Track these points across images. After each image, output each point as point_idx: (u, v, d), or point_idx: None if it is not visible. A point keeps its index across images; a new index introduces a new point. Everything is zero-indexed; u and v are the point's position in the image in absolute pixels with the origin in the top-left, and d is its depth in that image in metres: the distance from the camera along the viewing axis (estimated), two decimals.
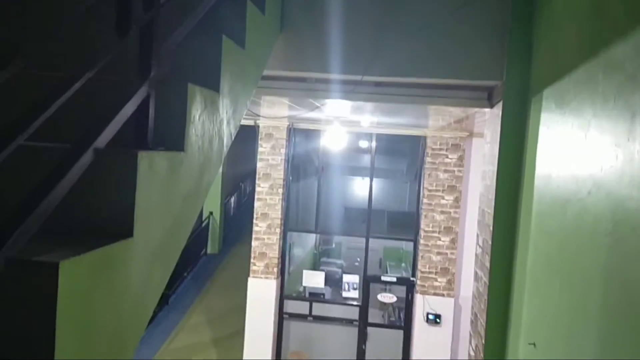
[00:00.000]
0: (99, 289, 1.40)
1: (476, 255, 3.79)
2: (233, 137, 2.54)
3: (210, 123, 2.20)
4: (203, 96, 2.08)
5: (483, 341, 3.34)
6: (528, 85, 3.12)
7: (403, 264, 13.19)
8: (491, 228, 3.32)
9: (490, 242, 3.33)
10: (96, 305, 1.39)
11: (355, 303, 9.82)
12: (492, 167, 3.42)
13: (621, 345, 1.78)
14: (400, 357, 9.62)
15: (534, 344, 2.69)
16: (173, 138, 1.92)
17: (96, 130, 1.45)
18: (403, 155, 11.03)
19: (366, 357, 9.69)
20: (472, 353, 3.72)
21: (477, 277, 3.71)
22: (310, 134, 9.88)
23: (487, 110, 3.68)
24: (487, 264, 3.37)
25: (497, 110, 3.39)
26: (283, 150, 9.58)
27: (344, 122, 8.29)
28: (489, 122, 3.63)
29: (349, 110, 6.64)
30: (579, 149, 2.27)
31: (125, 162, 1.53)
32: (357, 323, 9.72)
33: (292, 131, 9.70)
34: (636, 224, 1.67)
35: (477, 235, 3.78)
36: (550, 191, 2.62)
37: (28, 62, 1.38)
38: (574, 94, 2.38)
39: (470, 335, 3.81)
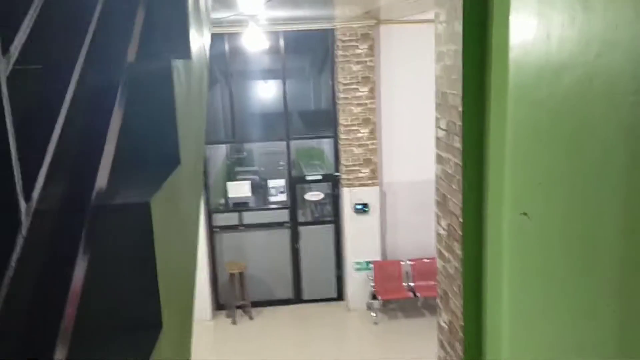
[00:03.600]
0: (170, 221, 1.20)
1: (438, 138, 3.81)
2: (210, 40, 2.24)
3: (198, 24, 1.90)
4: None
5: (460, 219, 3.44)
6: None
7: (317, 162, 13.35)
8: (459, 109, 3.31)
9: (459, 123, 3.33)
10: (171, 238, 1.20)
11: (283, 206, 9.87)
12: (452, 46, 3.36)
13: None
14: (333, 249, 9.96)
15: (526, 214, 2.79)
16: (171, 44, 1.62)
17: (121, 43, 1.18)
18: (312, 51, 10.75)
19: (301, 255, 9.94)
20: (442, 232, 3.84)
21: (441, 160, 3.75)
22: (214, 39, 9.27)
23: None
24: (457, 145, 3.39)
25: None
26: None
27: (250, 21, 7.83)
28: None
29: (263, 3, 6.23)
30: (576, 12, 2.23)
31: (161, 74, 1.27)
32: (288, 225, 9.83)
33: None
34: None
35: (437, 119, 3.78)
36: (535, 61, 2.60)
37: None
38: None
39: (438, 216, 3.91)
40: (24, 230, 0.66)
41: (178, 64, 1.40)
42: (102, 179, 0.99)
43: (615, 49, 1.98)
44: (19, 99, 0.73)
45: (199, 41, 1.87)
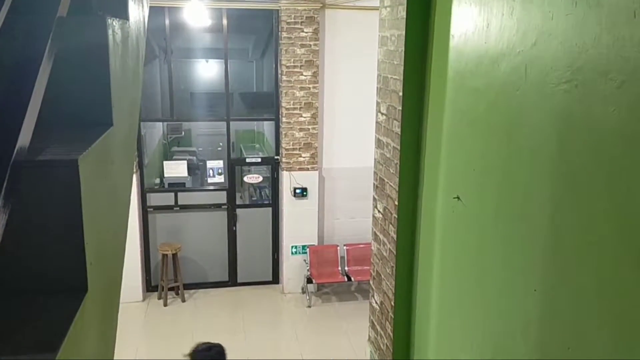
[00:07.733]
0: (100, 183, 1.15)
1: (378, 122, 3.84)
2: (148, 8, 2.16)
3: None
4: None
5: (396, 202, 3.50)
6: None
7: (257, 145, 13.25)
8: (400, 93, 3.35)
9: (399, 108, 3.37)
10: (100, 201, 1.15)
11: (220, 188, 9.74)
12: (396, 32, 3.39)
13: (581, 188, 1.92)
14: (271, 233, 9.94)
15: (458, 197, 2.87)
16: (108, 2, 1.55)
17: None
18: (256, 32, 10.60)
19: (237, 237, 9.85)
20: (378, 215, 3.90)
21: (380, 144, 3.80)
22: (153, 12, 8.96)
23: None
24: (396, 129, 3.44)
25: None
26: None
27: None
28: None
29: None
30: (515, 2, 2.29)
31: (94, 30, 1.21)
32: (225, 207, 9.72)
33: None
34: (606, 69, 1.74)
35: (378, 103, 3.82)
36: (474, 49, 2.66)
37: None
38: None
39: (375, 199, 3.97)
40: None
41: (114, 23, 1.34)
42: (25, 136, 0.93)
43: (550, 39, 2.05)
44: None
45: (137, 6, 1.80)
